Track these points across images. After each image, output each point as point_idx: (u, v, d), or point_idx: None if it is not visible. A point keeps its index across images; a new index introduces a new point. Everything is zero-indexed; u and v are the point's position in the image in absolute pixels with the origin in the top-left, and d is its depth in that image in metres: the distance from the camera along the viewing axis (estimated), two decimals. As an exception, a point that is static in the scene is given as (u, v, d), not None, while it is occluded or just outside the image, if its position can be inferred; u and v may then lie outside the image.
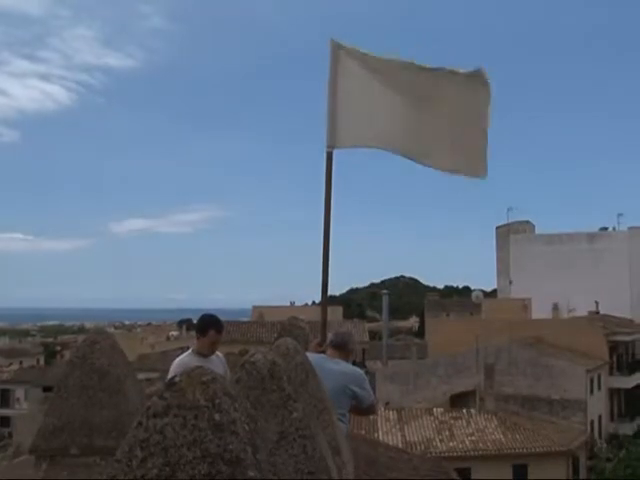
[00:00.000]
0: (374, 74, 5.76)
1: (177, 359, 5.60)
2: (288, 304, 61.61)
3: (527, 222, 69.26)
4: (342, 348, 5.37)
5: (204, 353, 5.53)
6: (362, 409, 5.32)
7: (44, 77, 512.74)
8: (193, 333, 5.98)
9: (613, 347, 46.07)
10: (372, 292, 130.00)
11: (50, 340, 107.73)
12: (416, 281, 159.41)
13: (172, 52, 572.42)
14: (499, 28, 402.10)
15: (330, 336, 5.50)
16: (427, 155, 5.83)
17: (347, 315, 72.73)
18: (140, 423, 1.85)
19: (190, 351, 5.67)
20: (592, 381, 40.97)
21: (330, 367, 4.88)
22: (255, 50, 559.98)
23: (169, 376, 4.50)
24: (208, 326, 5.56)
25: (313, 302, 69.77)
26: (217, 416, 1.85)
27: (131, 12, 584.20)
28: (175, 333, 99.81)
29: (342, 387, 4.95)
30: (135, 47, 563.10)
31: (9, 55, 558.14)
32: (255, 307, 59.97)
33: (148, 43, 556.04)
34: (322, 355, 5.13)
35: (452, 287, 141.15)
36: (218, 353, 5.75)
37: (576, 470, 32.09)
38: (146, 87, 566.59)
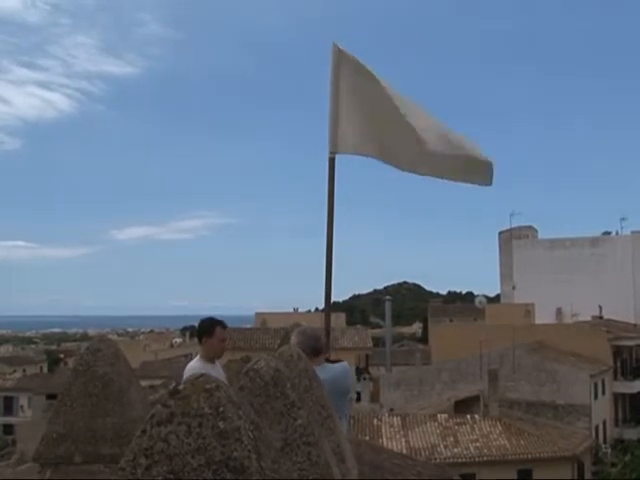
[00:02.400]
0: (373, 82, 5.75)
1: (188, 365, 5.59)
2: (291, 310, 61.45)
3: (530, 227, 69.19)
4: (320, 351, 4.93)
5: (211, 356, 5.54)
6: None
7: (44, 85, 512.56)
8: (196, 340, 5.97)
9: (617, 352, 46.03)
10: (375, 298, 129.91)
11: (53, 348, 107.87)
12: (419, 287, 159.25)
13: (171, 58, 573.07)
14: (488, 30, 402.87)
15: (303, 341, 4.82)
16: (423, 163, 5.79)
17: (350, 321, 72.66)
18: (144, 431, 1.85)
19: (198, 357, 5.67)
20: (596, 386, 40.92)
21: (322, 378, 4.19)
22: (255, 55, 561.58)
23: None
24: (213, 325, 5.59)
25: (316, 309, 69.74)
26: (221, 424, 1.85)
27: (130, 19, 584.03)
28: (178, 340, 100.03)
29: (338, 394, 4.88)
30: (134, 54, 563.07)
31: (9, 63, 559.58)
32: (258, 314, 59.81)
33: (147, 50, 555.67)
34: None
35: (455, 293, 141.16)
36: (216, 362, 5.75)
37: (581, 475, 31.95)
38: (146, 94, 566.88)
